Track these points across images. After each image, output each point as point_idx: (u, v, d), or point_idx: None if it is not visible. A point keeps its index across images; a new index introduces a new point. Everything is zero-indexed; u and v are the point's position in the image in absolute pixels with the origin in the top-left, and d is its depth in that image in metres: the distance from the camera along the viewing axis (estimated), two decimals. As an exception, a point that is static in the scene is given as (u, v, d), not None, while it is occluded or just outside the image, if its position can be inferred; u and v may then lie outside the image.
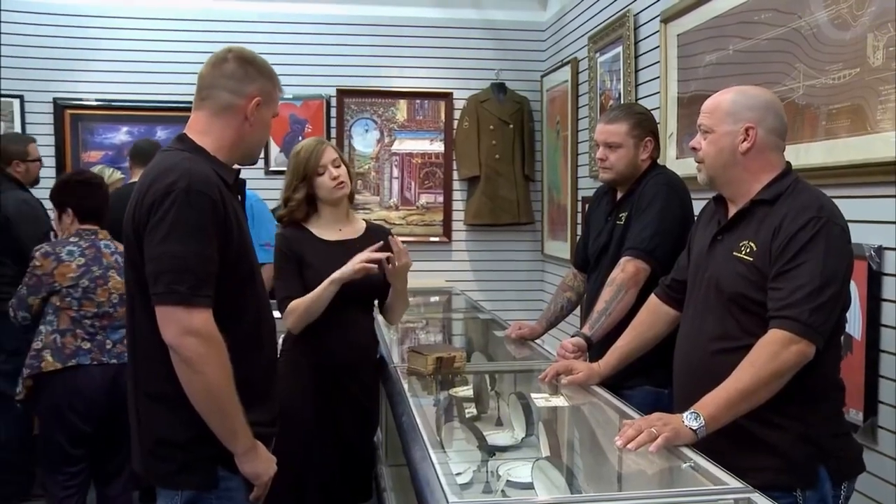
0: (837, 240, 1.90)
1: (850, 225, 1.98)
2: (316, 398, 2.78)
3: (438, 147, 5.72)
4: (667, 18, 3.59)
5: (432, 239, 5.71)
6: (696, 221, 2.31)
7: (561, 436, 2.44)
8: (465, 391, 2.82)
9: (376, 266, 2.71)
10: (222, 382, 1.78)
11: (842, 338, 2.05)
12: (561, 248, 5.22)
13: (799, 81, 2.66)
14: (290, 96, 5.43)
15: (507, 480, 2.15)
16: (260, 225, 4.09)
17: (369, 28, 5.53)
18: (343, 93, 5.56)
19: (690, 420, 1.84)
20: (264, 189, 5.21)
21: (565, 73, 5.07)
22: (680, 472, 1.77)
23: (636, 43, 4.00)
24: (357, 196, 3.02)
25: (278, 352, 2.30)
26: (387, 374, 2.84)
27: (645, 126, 2.82)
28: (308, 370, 2.78)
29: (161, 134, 5.25)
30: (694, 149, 2.12)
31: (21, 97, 5.23)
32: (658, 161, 2.89)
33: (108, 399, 3.19)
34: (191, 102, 1.99)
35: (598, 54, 4.50)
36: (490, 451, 2.30)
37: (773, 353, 1.84)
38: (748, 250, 1.97)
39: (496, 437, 2.54)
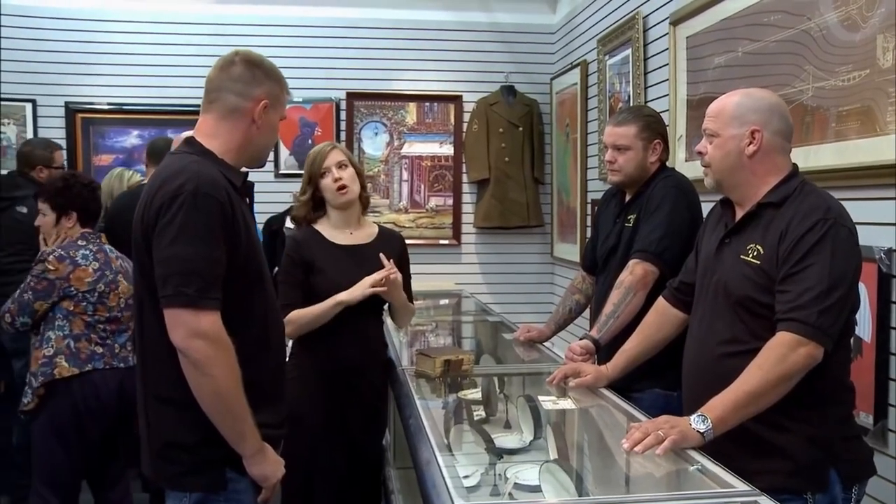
0: (845, 242, 1.89)
1: (860, 227, 1.97)
2: (324, 401, 2.78)
3: (448, 150, 5.72)
4: (676, 21, 3.59)
5: (442, 242, 5.72)
6: (704, 224, 2.30)
7: (569, 438, 2.43)
8: (474, 394, 2.81)
9: (386, 288, 2.76)
10: (230, 385, 1.79)
11: (851, 340, 2.04)
12: (570, 251, 5.21)
13: (808, 83, 2.65)
14: (300, 99, 5.45)
15: (515, 483, 2.14)
16: None
17: (379, 31, 5.54)
18: (353, 96, 5.57)
19: (698, 423, 1.83)
20: (274, 192, 5.25)
21: (575, 76, 5.07)
22: (687, 475, 1.77)
23: (645, 45, 4.00)
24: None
25: (287, 354, 2.31)
26: (395, 376, 2.84)
27: (653, 128, 2.81)
28: (317, 373, 2.79)
29: (172, 137, 5.26)
30: (700, 153, 2.12)
31: (33, 101, 5.27)
32: (667, 163, 2.89)
33: (118, 403, 3.19)
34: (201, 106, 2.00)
35: (607, 57, 4.49)
36: (498, 453, 2.30)
37: (781, 355, 1.83)
38: (755, 253, 1.97)
39: (504, 440, 2.53)
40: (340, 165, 2.84)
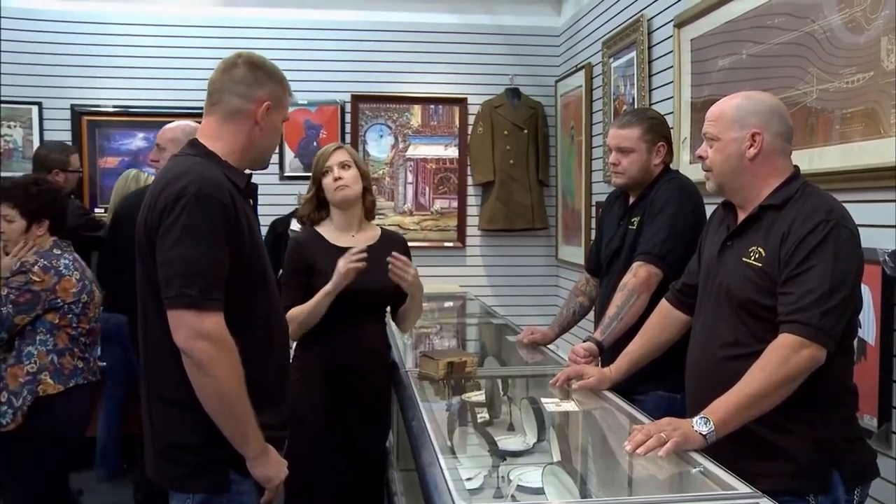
0: (847, 243, 1.89)
1: (864, 230, 1.97)
2: (327, 402, 2.79)
3: (453, 152, 5.72)
4: (680, 23, 3.59)
5: (446, 244, 5.72)
6: (706, 226, 2.30)
7: (572, 441, 2.43)
8: (478, 396, 2.81)
9: (364, 263, 2.70)
10: (233, 386, 1.79)
11: (855, 342, 2.04)
12: (575, 253, 5.21)
13: (812, 85, 2.64)
14: (305, 102, 5.46)
15: (518, 485, 2.14)
16: None
17: (384, 34, 5.54)
18: (358, 98, 5.58)
19: (700, 425, 1.83)
20: (279, 194, 5.27)
21: (579, 79, 5.07)
22: (689, 477, 1.77)
23: (650, 48, 4.00)
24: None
25: (291, 356, 2.31)
26: (398, 378, 2.85)
27: (657, 131, 2.81)
28: (319, 375, 2.79)
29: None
30: (701, 157, 2.11)
31: (40, 104, 5.29)
32: (671, 166, 2.88)
33: (91, 417, 3.10)
34: (207, 108, 2.00)
35: (611, 59, 4.49)
36: (501, 455, 2.30)
37: (783, 357, 1.83)
38: (757, 256, 1.97)
39: (508, 442, 2.54)
40: (343, 165, 2.84)
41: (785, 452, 1.91)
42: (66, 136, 5.25)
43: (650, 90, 4.00)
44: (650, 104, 3.93)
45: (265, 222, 4.75)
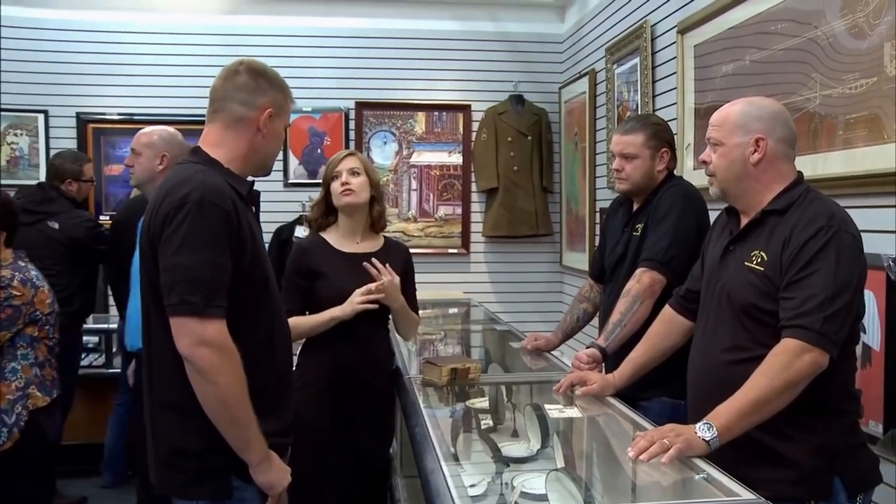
0: (849, 248, 1.88)
1: (868, 235, 1.97)
2: (331, 409, 2.79)
3: (457, 159, 5.73)
4: (683, 29, 3.59)
5: (450, 251, 5.72)
6: (710, 232, 2.30)
7: (576, 447, 2.43)
8: (481, 402, 2.81)
9: (377, 305, 2.77)
10: (236, 392, 1.79)
11: (858, 348, 2.03)
12: (579, 260, 5.21)
13: (815, 91, 2.64)
14: (309, 109, 5.48)
15: (522, 492, 2.13)
16: None
17: (387, 41, 5.56)
18: (362, 105, 5.59)
19: (703, 431, 1.82)
20: (283, 201, 5.28)
21: (583, 85, 5.08)
22: (693, 483, 1.76)
23: (653, 54, 4.00)
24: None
25: (294, 362, 2.31)
26: (402, 384, 2.84)
27: (661, 137, 2.81)
28: (323, 381, 2.79)
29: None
30: (704, 162, 2.11)
31: (45, 112, 5.33)
32: (675, 172, 2.88)
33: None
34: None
35: (615, 65, 4.50)
36: (505, 462, 2.29)
37: (786, 362, 1.82)
38: (759, 260, 1.96)
39: (511, 449, 2.52)
40: (353, 172, 2.85)
41: (787, 459, 1.90)
42: (72, 144, 5.28)
43: (654, 96, 4.00)
44: (654, 110, 3.93)
45: (269, 229, 4.77)
